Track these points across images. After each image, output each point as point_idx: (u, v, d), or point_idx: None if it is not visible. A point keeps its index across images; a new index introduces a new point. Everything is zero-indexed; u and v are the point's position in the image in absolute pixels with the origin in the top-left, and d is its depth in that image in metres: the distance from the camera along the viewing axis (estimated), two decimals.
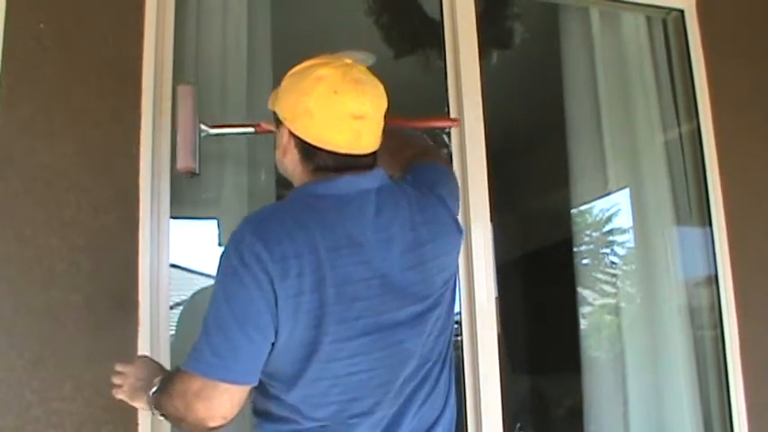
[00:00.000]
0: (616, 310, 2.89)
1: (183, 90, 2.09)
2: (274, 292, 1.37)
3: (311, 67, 1.53)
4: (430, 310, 1.53)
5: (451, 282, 1.61)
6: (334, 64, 1.52)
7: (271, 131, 1.76)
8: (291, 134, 1.53)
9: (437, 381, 1.56)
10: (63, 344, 1.98)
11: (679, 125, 2.87)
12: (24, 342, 1.96)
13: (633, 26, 2.89)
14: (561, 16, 2.88)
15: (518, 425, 3.64)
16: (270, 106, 1.62)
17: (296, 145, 1.53)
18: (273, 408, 1.49)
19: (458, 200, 1.72)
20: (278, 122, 1.59)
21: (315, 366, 1.41)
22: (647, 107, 2.84)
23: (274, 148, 1.64)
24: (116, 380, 1.64)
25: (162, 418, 1.51)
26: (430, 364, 1.55)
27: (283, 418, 1.48)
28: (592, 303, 2.96)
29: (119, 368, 1.65)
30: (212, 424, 1.39)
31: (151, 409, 1.52)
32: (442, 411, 1.58)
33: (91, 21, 2.17)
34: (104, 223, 2.07)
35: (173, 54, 2.25)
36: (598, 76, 2.81)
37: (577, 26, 2.85)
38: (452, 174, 1.80)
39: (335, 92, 1.47)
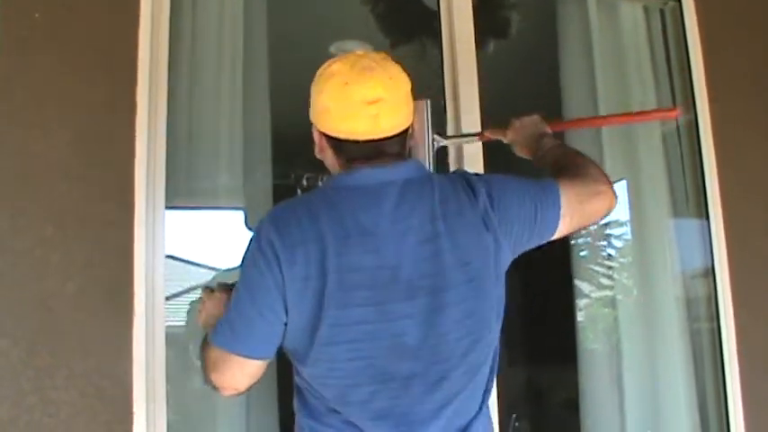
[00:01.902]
0: (613, 303, 2.89)
1: (419, 104, 1.99)
2: (283, 275, 1.47)
3: (326, 66, 1.59)
4: (448, 306, 1.50)
5: (485, 281, 1.54)
6: (346, 58, 1.58)
7: (491, 139, 2.11)
8: (321, 132, 1.60)
9: (465, 383, 1.52)
10: (58, 333, 1.98)
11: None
12: (19, 331, 1.96)
13: (631, 16, 2.88)
14: (559, 6, 2.88)
15: (514, 416, 3.64)
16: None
17: (327, 141, 1.60)
18: (298, 381, 1.59)
19: (528, 207, 1.61)
20: (312, 126, 1.65)
21: (316, 348, 1.48)
22: (645, 98, 2.83)
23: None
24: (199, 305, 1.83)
25: None
26: (448, 364, 1.50)
27: (304, 392, 1.58)
28: (588, 296, 2.96)
29: (202, 296, 1.81)
30: (224, 393, 1.58)
31: None
32: (471, 421, 1.55)
33: (86, 10, 2.17)
34: (99, 213, 2.07)
35: (168, 44, 2.25)
36: (595, 66, 2.80)
37: (575, 16, 2.85)
38: (558, 194, 1.65)
39: (346, 83, 1.53)
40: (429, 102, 2.09)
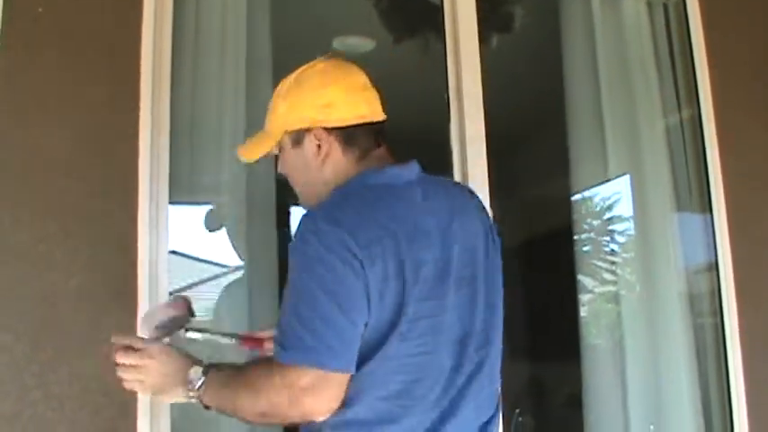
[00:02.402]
0: (616, 298, 2.89)
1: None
2: (366, 276, 1.37)
3: (304, 70, 1.59)
4: (478, 294, 1.53)
5: (493, 274, 1.59)
6: (316, 61, 1.60)
7: (255, 344, 1.69)
8: (327, 131, 1.54)
9: (491, 371, 1.54)
10: (61, 329, 1.99)
11: (680, 110, 2.85)
12: (22, 327, 1.97)
13: (634, 10, 2.87)
14: (562, 0, 2.87)
15: (517, 411, 3.64)
16: (267, 150, 1.63)
17: (336, 138, 1.54)
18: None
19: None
20: (298, 142, 1.57)
21: (390, 344, 1.40)
22: (648, 92, 2.83)
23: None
24: (129, 374, 1.53)
25: (212, 410, 1.49)
26: (484, 350, 1.52)
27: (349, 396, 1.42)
28: (592, 291, 2.96)
29: (131, 362, 1.52)
30: (319, 417, 1.38)
31: (192, 400, 1.49)
32: (493, 415, 1.56)
33: (89, 6, 2.17)
34: (103, 208, 2.07)
35: (171, 40, 2.25)
36: (599, 60, 2.80)
37: (578, 10, 2.84)
38: None
39: (344, 75, 1.57)
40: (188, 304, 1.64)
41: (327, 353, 1.34)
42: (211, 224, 2.49)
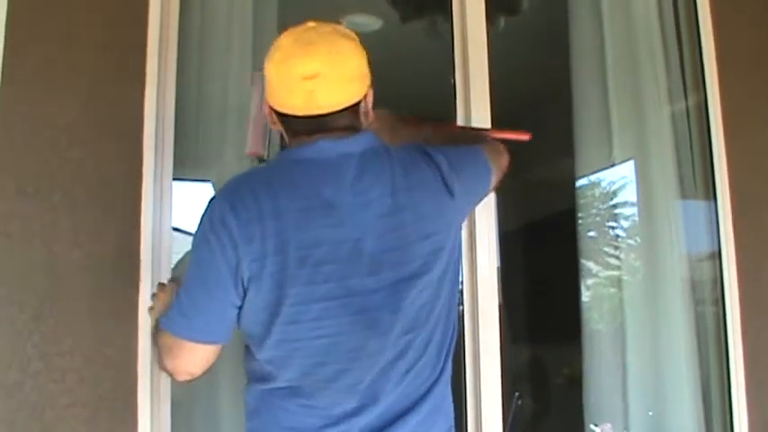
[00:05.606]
0: (619, 283, 2.89)
1: (259, 76, 1.86)
2: (238, 255, 1.44)
3: (278, 38, 1.58)
4: (412, 278, 1.51)
5: (445, 251, 1.57)
6: (293, 31, 1.57)
7: None
8: (269, 105, 1.61)
9: (423, 351, 1.54)
10: (64, 299, 1.98)
11: (686, 96, 2.84)
12: (25, 297, 1.96)
13: None
14: None
15: (516, 394, 3.66)
16: None
17: (275, 113, 1.60)
18: (254, 365, 1.56)
19: (472, 173, 1.70)
20: None
21: (277, 328, 1.47)
22: (655, 78, 2.81)
23: None
24: (152, 302, 1.90)
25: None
26: (412, 334, 1.52)
27: (261, 375, 1.54)
28: (595, 275, 2.96)
29: (154, 291, 1.92)
30: (179, 378, 1.58)
31: None
32: (434, 383, 1.57)
33: None
34: (107, 179, 2.07)
35: (178, 14, 2.24)
36: (606, 45, 2.78)
37: None
38: (484, 153, 1.77)
39: (287, 57, 1.52)
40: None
41: (183, 323, 1.50)
42: None
